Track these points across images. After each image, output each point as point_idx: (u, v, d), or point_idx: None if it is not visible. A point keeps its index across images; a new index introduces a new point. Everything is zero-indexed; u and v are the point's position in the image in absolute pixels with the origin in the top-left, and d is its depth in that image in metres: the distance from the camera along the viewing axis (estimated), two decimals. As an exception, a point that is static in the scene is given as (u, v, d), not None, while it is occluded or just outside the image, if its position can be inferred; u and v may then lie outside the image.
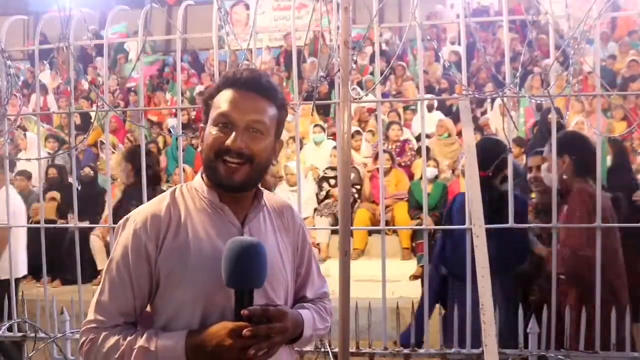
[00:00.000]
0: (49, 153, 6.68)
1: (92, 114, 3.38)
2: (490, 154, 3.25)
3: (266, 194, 1.57)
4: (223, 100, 1.41)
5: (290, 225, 1.57)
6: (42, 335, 3.23)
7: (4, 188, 3.65)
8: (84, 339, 1.39)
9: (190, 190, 1.48)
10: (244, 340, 1.26)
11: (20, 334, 3.33)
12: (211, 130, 1.40)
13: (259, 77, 1.44)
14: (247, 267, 1.28)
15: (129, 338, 1.33)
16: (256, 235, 1.45)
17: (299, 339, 1.49)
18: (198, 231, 1.41)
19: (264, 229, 1.50)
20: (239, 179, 1.39)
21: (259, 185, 1.52)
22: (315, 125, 7.71)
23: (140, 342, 1.32)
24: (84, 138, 3.80)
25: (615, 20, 9.56)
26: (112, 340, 1.34)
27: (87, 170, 6.70)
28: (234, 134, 1.37)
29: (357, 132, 7.53)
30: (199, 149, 1.50)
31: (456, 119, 7.32)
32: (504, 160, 3.12)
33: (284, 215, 1.57)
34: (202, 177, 1.48)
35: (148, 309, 1.45)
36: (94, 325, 1.38)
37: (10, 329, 3.31)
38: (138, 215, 1.43)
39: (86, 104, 8.93)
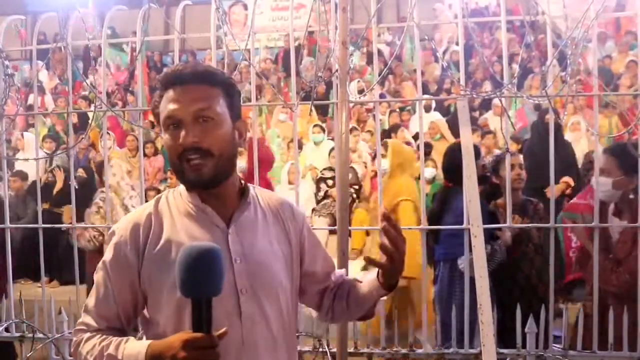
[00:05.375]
0: (46, 153, 6.66)
1: (90, 114, 3.38)
2: (453, 163, 3.23)
3: (262, 191, 1.54)
4: (166, 103, 1.39)
5: (290, 223, 1.52)
6: (40, 335, 3.23)
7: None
8: (73, 339, 1.45)
9: (175, 195, 1.47)
10: (200, 353, 1.21)
11: (18, 334, 3.32)
12: (165, 136, 1.39)
13: (192, 66, 1.41)
14: (197, 275, 1.19)
15: (103, 344, 1.36)
16: (243, 235, 1.42)
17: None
18: (180, 237, 1.39)
19: (253, 228, 1.45)
20: (207, 173, 1.36)
21: (244, 181, 1.49)
22: (315, 126, 7.70)
23: (110, 349, 1.34)
24: (82, 138, 3.80)
25: (619, 20, 9.54)
26: (90, 344, 1.38)
27: (80, 171, 6.67)
28: (183, 131, 1.35)
29: (354, 129, 7.49)
30: None
31: (454, 119, 7.31)
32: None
33: (281, 214, 1.52)
34: None
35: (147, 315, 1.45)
36: (81, 327, 1.43)
37: (7, 329, 3.31)
38: (121, 224, 1.45)
39: (84, 104, 8.91)
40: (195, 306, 1.21)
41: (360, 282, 1.55)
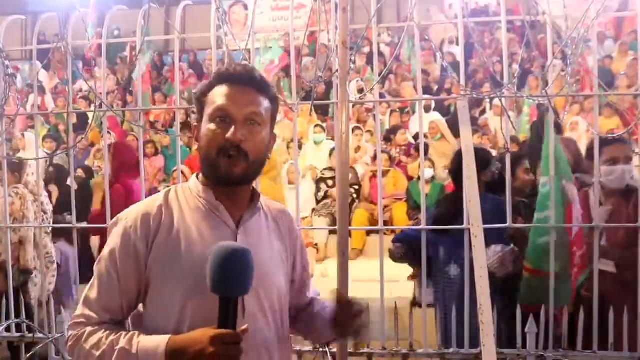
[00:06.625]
0: (47, 153, 6.66)
1: (90, 114, 3.38)
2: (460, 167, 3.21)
3: (264, 198, 1.58)
4: (219, 95, 1.42)
5: (287, 232, 1.58)
6: (40, 335, 3.23)
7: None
8: (70, 333, 1.41)
9: (184, 190, 1.49)
10: (227, 348, 1.23)
11: (18, 335, 3.32)
12: (209, 126, 1.41)
13: (252, 71, 1.47)
14: (232, 274, 1.24)
15: (111, 337, 1.34)
16: (250, 237, 1.45)
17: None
18: (190, 231, 1.41)
19: (259, 231, 1.49)
20: (238, 171, 1.40)
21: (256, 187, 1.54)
22: (316, 126, 7.71)
23: (122, 343, 1.32)
24: (82, 138, 3.80)
25: (622, 20, 9.52)
26: (95, 338, 1.35)
27: (79, 171, 6.66)
28: (233, 127, 1.38)
29: (357, 128, 7.49)
30: (194, 148, 1.50)
31: (454, 119, 7.29)
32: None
33: (280, 221, 1.57)
34: (197, 178, 1.50)
35: (141, 308, 1.45)
36: (81, 320, 1.40)
37: (8, 329, 3.30)
38: (130, 214, 1.44)
39: (84, 104, 8.91)
40: (223, 303, 1.25)
41: (325, 307, 1.59)
